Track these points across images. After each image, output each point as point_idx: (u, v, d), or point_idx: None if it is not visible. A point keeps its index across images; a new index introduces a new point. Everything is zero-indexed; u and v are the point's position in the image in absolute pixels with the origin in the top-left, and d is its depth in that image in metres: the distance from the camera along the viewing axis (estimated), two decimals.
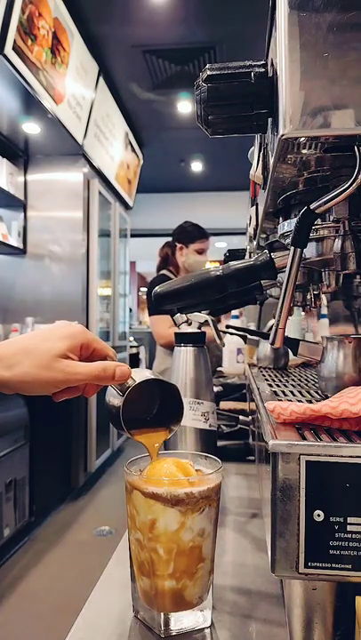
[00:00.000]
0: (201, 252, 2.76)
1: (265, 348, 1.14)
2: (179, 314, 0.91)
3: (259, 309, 1.46)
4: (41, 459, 2.94)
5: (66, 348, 0.51)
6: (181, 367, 0.90)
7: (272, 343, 0.54)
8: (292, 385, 0.82)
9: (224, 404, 1.44)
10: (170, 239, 2.85)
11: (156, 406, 0.60)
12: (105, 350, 0.55)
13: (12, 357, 0.50)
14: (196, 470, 0.56)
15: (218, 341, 1.05)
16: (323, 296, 1.08)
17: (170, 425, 0.59)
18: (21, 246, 3.69)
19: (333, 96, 0.42)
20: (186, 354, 0.91)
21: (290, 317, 0.65)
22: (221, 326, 1.97)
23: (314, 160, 0.53)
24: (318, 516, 0.42)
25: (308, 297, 0.81)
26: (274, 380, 0.88)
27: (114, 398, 0.57)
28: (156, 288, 0.74)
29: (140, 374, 0.56)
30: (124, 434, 0.57)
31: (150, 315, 2.62)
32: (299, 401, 0.65)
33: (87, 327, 3.79)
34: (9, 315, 3.67)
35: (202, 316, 0.94)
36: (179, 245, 2.76)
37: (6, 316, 3.66)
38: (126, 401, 0.54)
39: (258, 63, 0.48)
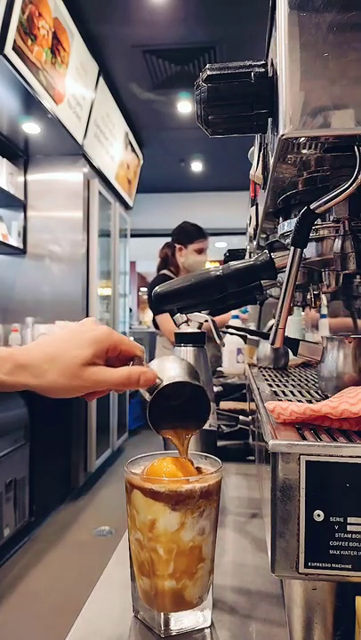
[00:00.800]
0: (200, 251, 2.77)
1: (265, 347, 1.14)
2: (179, 314, 0.91)
3: (259, 309, 1.46)
4: (41, 459, 2.94)
5: (92, 355, 0.51)
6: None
7: (272, 343, 0.54)
8: (292, 385, 0.82)
9: (224, 404, 1.43)
10: (170, 240, 2.85)
11: (183, 404, 0.59)
12: (132, 351, 0.55)
13: (40, 366, 0.50)
14: (196, 468, 0.56)
15: (218, 341, 1.05)
16: (323, 296, 1.08)
17: (197, 423, 0.59)
18: (21, 246, 3.69)
19: (333, 96, 0.42)
20: (186, 354, 0.91)
21: (290, 317, 0.65)
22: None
23: (314, 160, 0.53)
24: (318, 516, 0.42)
25: (308, 297, 0.81)
26: (274, 380, 0.88)
27: (144, 393, 0.57)
28: (156, 288, 0.74)
29: (168, 373, 0.55)
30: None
31: (156, 314, 2.62)
32: (299, 401, 0.65)
33: None
34: (9, 315, 3.67)
35: (202, 316, 0.94)
36: (178, 246, 2.77)
37: (6, 316, 3.66)
38: (153, 402, 0.54)
39: (258, 63, 0.48)
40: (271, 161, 0.52)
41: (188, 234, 2.79)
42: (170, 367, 0.57)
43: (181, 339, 0.92)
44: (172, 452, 0.58)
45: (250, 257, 0.84)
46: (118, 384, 0.52)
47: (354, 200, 0.51)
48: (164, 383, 0.54)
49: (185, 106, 4.31)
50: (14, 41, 2.45)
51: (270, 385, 0.81)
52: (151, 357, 2.82)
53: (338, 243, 0.54)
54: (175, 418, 0.58)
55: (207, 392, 0.57)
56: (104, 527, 2.93)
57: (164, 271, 2.74)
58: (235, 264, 0.68)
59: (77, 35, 3.16)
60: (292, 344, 0.92)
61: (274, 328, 0.54)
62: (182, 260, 2.76)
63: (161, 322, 2.62)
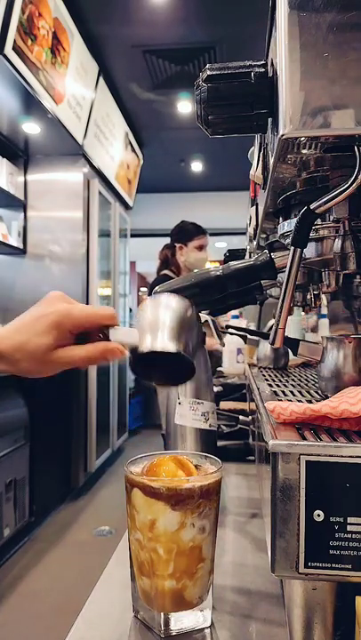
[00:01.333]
0: (201, 248, 2.76)
1: (265, 347, 1.14)
2: None
3: (259, 309, 1.46)
4: (41, 459, 2.94)
5: (54, 340, 0.52)
6: None
7: (272, 343, 0.54)
8: (292, 385, 0.82)
9: (224, 404, 1.43)
10: (169, 241, 2.85)
11: (167, 362, 0.56)
12: (98, 322, 0.55)
13: (12, 354, 0.52)
14: (196, 466, 0.56)
15: (218, 341, 1.05)
16: (323, 296, 1.08)
17: (180, 380, 0.59)
18: (21, 246, 3.69)
19: (333, 96, 0.42)
20: None
21: (290, 317, 0.65)
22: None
23: (314, 160, 0.53)
24: (318, 516, 0.42)
25: (309, 297, 0.81)
26: (274, 380, 0.88)
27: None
28: (156, 288, 0.74)
29: (147, 334, 0.53)
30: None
31: None
32: (299, 401, 0.65)
33: None
34: (9, 315, 3.66)
35: (202, 316, 0.94)
36: (178, 245, 2.76)
37: (6, 316, 3.66)
38: (133, 363, 0.54)
39: (258, 63, 0.48)
40: (271, 161, 0.52)
41: (187, 232, 2.78)
42: (154, 324, 0.54)
43: None
44: (172, 451, 0.58)
45: (250, 257, 0.84)
46: (85, 363, 0.54)
47: (354, 200, 0.52)
48: (141, 350, 0.53)
49: (185, 106, 4.31)
50: (14, 41, 2.45)
51: (270, 385, 0.81)
52: None
53: (338, 243, 0.54)
54: (162, 371, 0.57)
55: (188, 356, 0.54)
56: (104, 527, 2.93)
57: (165, 271, 2.73)
58: (235, 264, 0.68)
59: (77, 35, 3.16)
60: (292, 344, 0.92)
61: (274, 328, 0.54)
62: (183, 258, 2.75)
63: None
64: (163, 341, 0.53)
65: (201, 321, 0.94)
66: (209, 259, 2.92)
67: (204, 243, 2.78)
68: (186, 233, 2.78)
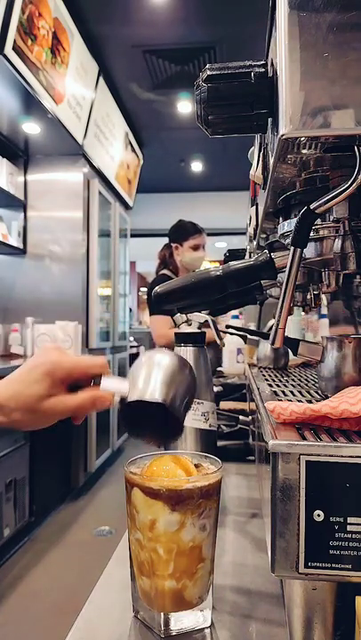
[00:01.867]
0: (196, 248, 2.73)
1: (265, 347, 1.14)
2: (179, 314, 0.91)
3: (259, 309, 1.46)
4: (41, 459, 2.94)
5: (46, 389, 0.54)
6: None
7: (272, 343, 0.54)
8: (292, 385, 0.82)
9: (224, 404, 1.43)
10: (164, 239, 2.86)
11: (156, 414, 0.57)
12: (88, 372, 0.56)
13: (7, 405, 0.53)
14: (196, 466, 0.56)
15: (218, 341, 1.05)
16: (323, 296, 1.08)
17: (167, 438, 0.59)
18: (21, 246, 3.69)
19: (333, 96, 0.42)
20: (186, 354, 0.91)
21: (290, 317, 0.65)
22: (220, 327, 1.97)
23: (314, 160, 0.53)
24: (318, 516, 0.42)
25: (308, 297, 0.81)
26: (274, 380, 0.88)
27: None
28: (156, 288, 0.74)
29: (140, 383, 0.54)
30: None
31: (151, 314, 2.61)
32: (299, 401, 0.65)
33: (87, 328, 3.80)
34: (9, 315, 3.67)
35: (202, 316, 0.94)
36: (174, 245, 2.75)
37: (6, 316, 3.66)
38: (121, 412, 0.55)
39: (258, 63, 0.48)
40: (271, 161, 0.52)
41: (184, 231, 2.76)
42: (146, 376, 0.55)
43: (181, 339, 0.92)
44: (172, 451, 0.58)
45: (250, 257, 0.84)
46: (77, 411, 0.55)
47: (354, 200, 0.52)
48: (129, 399, 0.53)
49: (185, 106, 4.31)
50: (14, 41, 2.45)
51: (270, 385, 0.81)
52: None
53: (338, 243, 0.54)
54: (150, 427, 0.57)
55: (176, 411, 0.53)
56: (104, 527, 2.93)
57: (164, 271, 2.73)
58: (235, 264, 0.68)
59: (77, 35, 3.16)
60: (292, 344, 0.92)
61: (274, 328, 0.54)
62: (179, 258, 2.73)
63: (152, 323, 2.59)
64: (151, 392, 0.53)
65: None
66: (209, 259, 2.90)
67: (200, 242, 2.75)
68: (182, 232, 2.76)
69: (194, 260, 2.71)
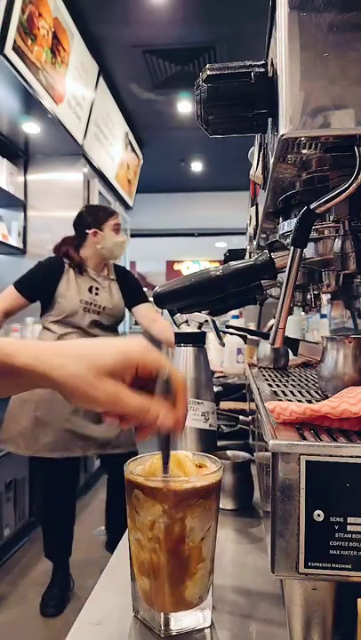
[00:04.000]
0: (117, 230, 2.32)
1: (265, 348, 1.14)
2: (179, 314, 0.92)
3: (259, 309, 1.47)
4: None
5: (114, 365, 0.47)
6: (181, 367, 0.90)
7: (272, 343, 0.54)
8: (292, 385, 0.82)
9: (224, 404, 1.44)
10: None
11: None
12: (164, 371, 0.49)
13: (63, 357, 0.47)
14: (200, 466, 0.56)
15: (218, 341, 1.05)
16: (323, 296, 1.08)
17: None
18: (21, 246, 3.69)
19: (333, 96, 0.42)
20: (186, 354, 0.91)
21: (290, 317, 0.65)
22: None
23: (314, 160, 0.53)
24: (318, 516, 0.42)
25: (308, 297, 0.81)
26: (274, 380, 0.88)
27: None
28: (157, 288, 0.74)
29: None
30: None
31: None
32: (299, 401, 0.65)
33: None
34: None
35: (202, 316, 0.94)
36: (92, 231, 2.26)
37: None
38: None
39: (258, 63, 0.48)
40: (271, 161, 0.52)
41: (98, 214, 2.32)
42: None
43: (181, 339, 0.92)
44: (172, 452, 0.58)
45: (250, 257, 0.84)
46: (132, 412, 0.47)
47: (354, 200, 0.52)
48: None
49: (185, 106, 4.31)
50: (14, 41, 2.45)
51: (270, 385, 0.81)
52: None
53: (338, 243, 0.54)
54: None
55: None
56: (104, 527, 2.93)
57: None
58: (235, 264, 0.68)
59: (77, 35, 3.16)
60: (292, 344, 0.92)
61: (274, 328, 0.54)
62: (100, 245, 2.25)
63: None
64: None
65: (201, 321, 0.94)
66: (209, 259, 2.86)
67: (119, 222, 2.35)
68: (97, 216, 2.31)
69: (117, 244, 2.29)
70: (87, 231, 2.27)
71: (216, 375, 1.91)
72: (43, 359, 0.46)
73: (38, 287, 2.28)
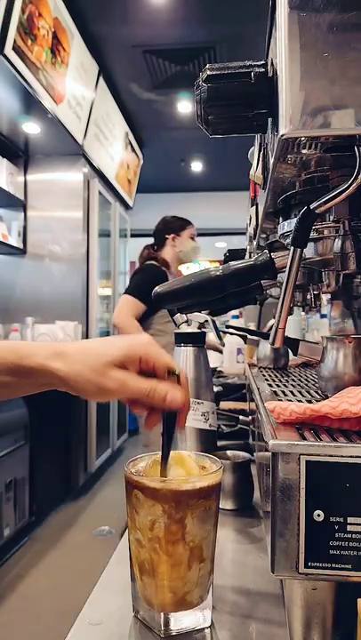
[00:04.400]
0: (193, 237, 2.73)
1: (265, 348, 1.14)
2: (179, 314, 0.92)
3: (259, 309, 1.47)
4: (41, 459, 2.94)
5: (120, 356, 0.50)
6: (181, 367, 0.90)
7: (272, 343, 0.54)
8: (292, 385, 0.82)
9: (224, 404, 1.44)
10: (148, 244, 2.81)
11: None
12: (168, 366, 0.52)
13: (73, 355, 0.51)
14: (203, 467, 0.56)
15: (218, 341, 1.05)
16: (323, 296, 1.08)
17: None
18: (21, 246, 3.69)
19: (333, 96, 0.42)
20: (186, 354, 0.91)
21: (290, 317, 0.65)
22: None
23: (314, 160, 0.53)
24: (318, 515, 0.42)
25: (309, 297, 0.81)
26: (274, 380, 0.88)
27: None
28: (156, 288, 0.74)
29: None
30: None
31: (124, 293, 2.46)
32: (299, 401, 0.65)
33: (87, 328, 3.80)
34: (9, 315, 3.67)
35: (202, 316, 0.94)
36: (171, 236, 2.68)
37: (6, 316, 3.66)
38: None
39: (258, 63, 0.48)
40: (271, 161, 0.52)
41: (178, 223, 2.73)
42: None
43: (181, 339, 0.92)
44: (172, 451, 0.58)
45: (250, 257, 0.84)
46: (143, 394, 0.50)
47: (354, 200, 0.52)
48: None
49: (185, 106, 4.31)
50: (14, 41, 2.45)
51: (270, 385, 0.81)
52: None
53: (338, 243, 0.54)
54: None
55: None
56: (104, 527, 2.93)
57: (151, 262, 2.62)
58: (235, 264, 0.68)
59: (77, 35, 3.16)
60: (292, 344, 0.92)
61: (274, 328, 0.54)
62: (178, 249, 2.65)
63: (120, 302, 2.44)
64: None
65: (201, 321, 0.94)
66: (208, 259, 2.90)
67: (194, 232, 2.76)
68: (176, 224, 2.72)
69: (193, 249, 2.68)
70: (167, 236, 2.67)
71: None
72: (54, 359, 0.51)
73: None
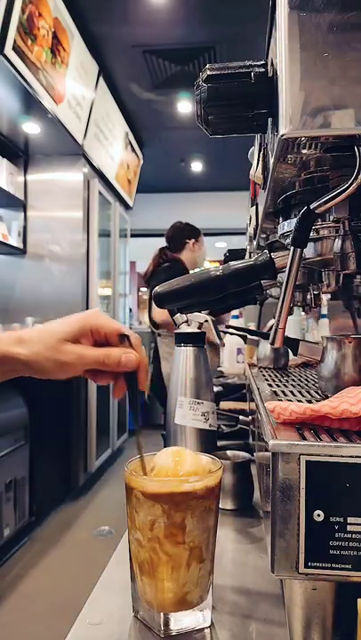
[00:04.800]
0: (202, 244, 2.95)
1: (265, 348, 1.14)
2: (179, 314, 0.92)
3: (259, 309, 1.47)
4: (41, 459, 2.94)
5: (73, 331, 0.54)
6: (181, 367, 0.90)
7: (272, 343, 0.54)
8: (292, 385, 0.82)
9: (224, 404, 1.44)
10: (164, 239, 2.90)
11: None
12: (116, 330, 0.55)
13: (31, 339, 0.54)
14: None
15: (218, 341, 1.05)
16: (323, 296, 1.08)
17: None
18: (21, 246, 3.69)
19: (333, 96, 0.42)
20: (186, 354, 0.91)
21: (290, 317, 0.65)
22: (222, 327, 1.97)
23: (314, 160, 0.53)
24: (318, 516, 0.42)
25: (309, 297, 0.81)
26: (274, 380, 0.88)
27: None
28: (156, 288, 0.74)
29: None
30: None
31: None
32: (299, 401, 0.65)
33: None
34: (9, 315, 3.66)
35: (202, 316, 0.94)
36: (192, 241, 2.87)
37: (6, 316, 3.66)
38: None
39: (258, 63, 0.48)
40: (271, 161, 0.52)
41: (194, 229, 2.94)
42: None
43: (181, 339, 0.92)
44: (175, 447, 0.58)
45: (250, 257, 0.84)
46: (97, 362, 0.54)
47: (354, 200, 0.51)
48: None
49: (185, 106, 4.31)
50: (14, 41, 2.45)
51: (270, 385, 0.81)
52: (150, 359, 2.84)
53: (338, 243, 0.54)
54: None
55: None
56: (104, 527, 2.93)
57: (168, 264, 2.72)
58: (235, 264, 0.68)
59: (77, 35, 3.16)
60: (292, 344, 0.92)
61: (274, 328, 0.54)
62: (196, 254, 2.88)
63: (155, 310, 2.65)
64: None
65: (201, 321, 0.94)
66: (209, 259, 2.96)
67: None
68: (196, 230, 2.93)
69: (204, 255, 2.90)
70: (187, 240, 2.83)
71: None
72: (15, 345, 0.53)
73: None
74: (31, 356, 0.53)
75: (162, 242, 2.96)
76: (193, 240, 2.90)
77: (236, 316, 2.25)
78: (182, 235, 2.93)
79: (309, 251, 0.61)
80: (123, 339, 0.56)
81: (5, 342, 0.54)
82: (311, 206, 0.50)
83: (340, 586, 0.45)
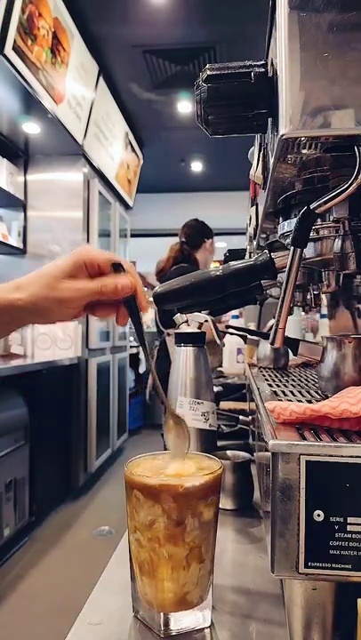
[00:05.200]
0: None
1: (265, 348, 1.14)
2: (179, 314, 0.92)
3: (259, 309, 1.46)
4: (41, 459, 2.94)
5: (67, 267, 0.54)
6: (181, 367, 0.90)
7: (272, 343, 0.54)
8: (292, 385, 0.82)
9: (224, 404, 1.44)
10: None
11: None
12: (110, 260, 0.56)
13: (27, 282, 0.55)
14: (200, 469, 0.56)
15: (217, 341, 1.05)
16: (323, 296, 1.08)
17: None
18: (21, 246, 3.69)
19: (333, 96, 0.42)
20: (186, 354, 0.91)
21: (290, 317, 0.65)
22: (221, 326, 1.97)
23: (314, 160, 0.53)
24: (318, 516, 0.42)
25: (308, 297, 0.81)
26: (274, 380, 0.88)
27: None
28: (156, 288, 0.74)
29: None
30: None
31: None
32: (299, 401, 0.65)
33: (87, 327, 3.80)
34: None
35: (202, 316, 0.94)
36: (209, 241, 2.87)
37: None
38: None
39: (258, 63, 0.48)
40: (271, 161, 0.52)
41: (209, 229, 2.93)
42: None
43: (181, 339, 0.92)
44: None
45: (250, 257, 0.84)
46: (95, 292, 0.55)
47: (354, 200, 0.51)
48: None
49: (185, 106, 4.31)
50: (14, 41, 2.45)
51: (270, 385, 0.81)
52: (155, 358, 2.84)
53: (338, 243, 0.54)
54: None
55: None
56: (104, 527, 2.93)
57: (182, 264, 2.69)
58: (235, 264, 0.68)
59: (77, 35, 3.16)
60: (292, 344, 0.92)
61: (274, 328, 0.54)
62: (209, 254, 2.88)
63: None
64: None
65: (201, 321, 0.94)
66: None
67: None
68: (209, 231, 2.92)
69: (213, 256, 2.92)
70: (205, 239, 2.81)
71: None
72: (12, 292, 0.55)
73: None
74: (29, 298, 0.54)
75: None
76: (210, 240, 2.89)
77: (236, 316, 2.25)
78: (201, 233, 2.90)
79: (309, 251, 0.61)
80: (117, 267, 0.56)
81: (4, 290, 0.54)
82: (311, 206, 0.50)
83: (340, 586, 0.45)
